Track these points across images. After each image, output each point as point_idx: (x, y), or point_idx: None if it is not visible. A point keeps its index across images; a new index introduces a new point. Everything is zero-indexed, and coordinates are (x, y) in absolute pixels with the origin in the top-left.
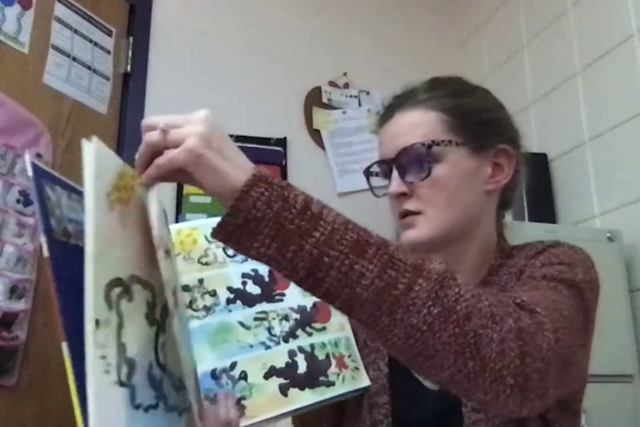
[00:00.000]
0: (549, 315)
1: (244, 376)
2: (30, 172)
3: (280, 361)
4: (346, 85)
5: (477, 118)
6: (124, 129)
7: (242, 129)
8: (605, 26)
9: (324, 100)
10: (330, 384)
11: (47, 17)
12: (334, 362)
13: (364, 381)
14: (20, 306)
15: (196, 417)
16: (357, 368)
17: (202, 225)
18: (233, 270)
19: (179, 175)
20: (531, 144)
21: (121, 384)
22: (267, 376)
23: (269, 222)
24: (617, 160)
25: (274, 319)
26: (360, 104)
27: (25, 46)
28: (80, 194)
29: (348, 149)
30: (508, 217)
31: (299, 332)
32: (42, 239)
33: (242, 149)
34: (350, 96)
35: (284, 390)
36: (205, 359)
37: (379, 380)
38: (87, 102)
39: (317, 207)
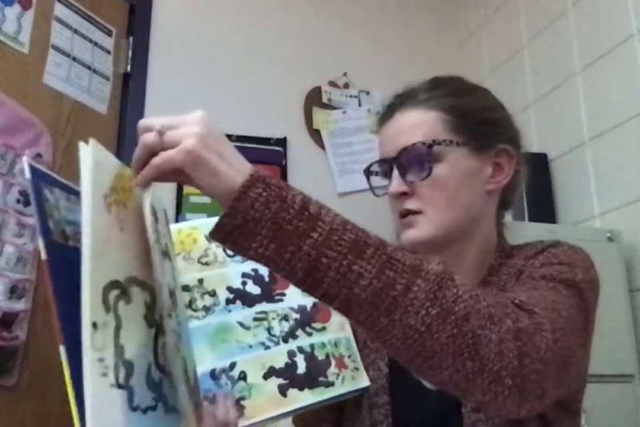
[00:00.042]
0: (548, 315)
1: (243, 376)
2: (28, 174)
3: (280, 362)
4: (346, 85)
5: (477, 118)
6: (124, 129)
7: (242, 129)
8: (605, 26)
9: (324, 100)
10: (330, 384)
11: (47, 17)
12: (333, 362)
13: (364, 381)
14: (20, 306)
15: (189, 417)
16: (356, 368)
17: (203, 224)
18: (233, 270)
19: (176, 176)
20: (531, 144)
21: (119, 386)
22: (266, 377)
23: (266, 222)
24: (617, 160)
25: (273, 319)
26: (360, 104)
27: (25, 46)
28: (78, 195)
29: (348, 149)
30: (508, 217)
31: (299, 332)
32: (40, 242)
33: (242, 149)
34: (350, 96)
35: (283, 390)
36: (205, 360)
37: (378, 380)
38: (87, 102)
39: (315, 208)
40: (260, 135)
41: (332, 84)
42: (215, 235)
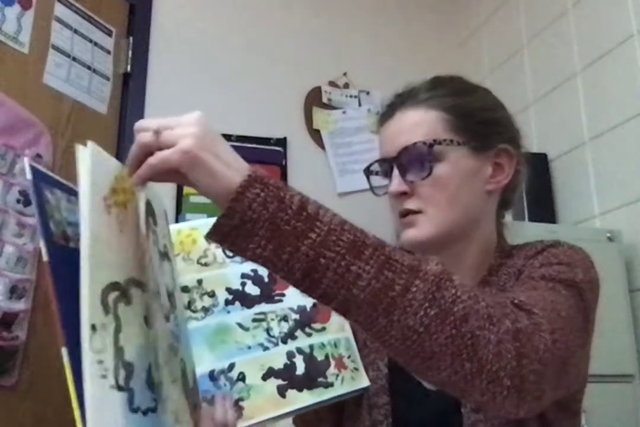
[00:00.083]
0: (547, 316)
1: (242, 377)
2: (29, 175)
3: (279, 362)
4: (346, 85)
5: (478, 117)
6: (124, 129)
7: (242, 129)
8: (605, 26)
9: (324, 100)
10: (329, 385)
11: (47, 17)
12: (333, 363)
13: (364, 382)
14: (20, 306)
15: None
16: (356, 369)
17: (202, 225)
18: (232, 271)
19: (172, 176)
20: (531, 144)
21: (119, 388)
22: (265, 377)
23: (264, 223)
24: (617, 160)
25: (272, 320)
26: (360, 104)
27: (25, 46)
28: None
29: (348, 149)
30: (508, 217)
31: (298, 333)
32: (42, 244)
33: (242, 149)
34: (350, 96)
35: (282, 391)
36: (204, 361)
37: (378, 380)
38: (87, 102)
39: (313, 208)
40: (260, 135)
41: (332, 84)
42: (213, 236)
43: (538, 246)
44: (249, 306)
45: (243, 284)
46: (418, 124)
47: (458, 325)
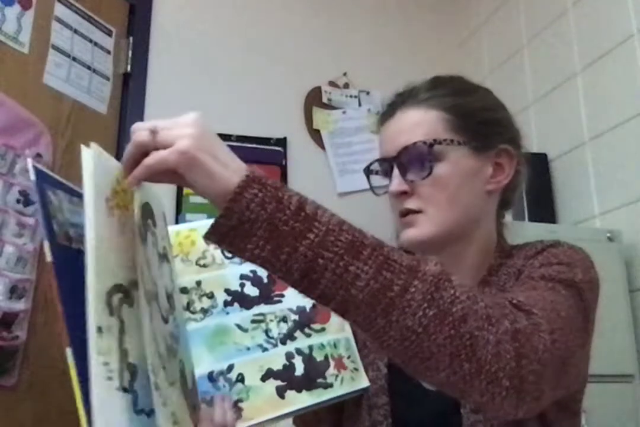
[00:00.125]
0: (546, 316)
1: (241, 378)
2: (32, 176)
3: (278, 363)
4: (346, 85)
5: (478, 117)
6: (124, 129)
7: (242, 129)
8: (605, 26)
9: (324, 100)
10: (328, 385)
11: (47, 17)
12: (332, 363)
13: (363, 382)
14: (20, 306)
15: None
16: (356, 369)
17: (201, 226)
18: (231, 272)
19: (169, 177)
20: (531, 144)
21: (124, 390)
22: (264, 379)
23: (262, 223)
24: (617, 160)
25: (271, 321)
26: (360, 104)
27: (25, 46)
28: (80, 196)
29: (348, 149)
30: (508, 217)
31: (297, 333)
32: (45, 244)
33: (242, 149)
34: (350, 96)
35: (281, 392)
36: (203, 362)
37: (378, 381)
38: (87, 102)
39: (311, 208)
40: (260, 135)
41: (332, 84)
42: (211, 236)
43: (538, 246)
44: (248, 307)
45: (242, 285)
46: (418, 123)
47: (457, 325)
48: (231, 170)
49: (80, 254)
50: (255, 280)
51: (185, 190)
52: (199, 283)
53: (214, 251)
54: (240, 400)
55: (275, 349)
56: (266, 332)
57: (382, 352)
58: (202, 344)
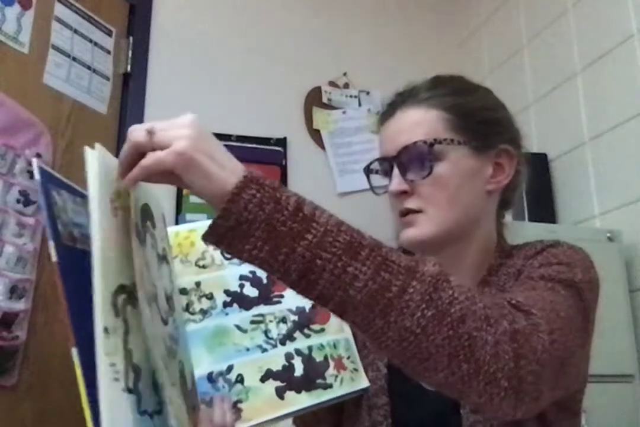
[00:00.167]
0: (545, 316)
1: (240, 379)
2: (37, 177)
3: (277, 364)
4: (346, 85)
5: (479, 117)
6: (124, 129)
7: (242, 129)
8: (605, 26)
9: (324, 100)
10: (328, 386)
11: (47, 17)
12: (332, 364)
13: (363, 382)
14: (20, 306)
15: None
16: (356, 369)
17: (200, 227)
18: (230, 272)
19: (166, 177)
20: (531, 144)
21: (129, 391)
22: (263, 379)
23: (260, 224)
24: (617, 160)
25: (271, 321)
26: (360, 104)
27: (25, 46)
28: (83, 197)
29: (348, 149)
30: (508, 217)
31: (297, 334)
32: (50, 245)
33: (242, 149)
34: (350, 96)
35: (280, 393)
36: (202, 363)
37: (377, 381)
38: (87, 102)
39: (309, 209)
40: (260, 135)
41: (332, 84)
42: (209, 237)
43: (538, 246)
44: (247, 308)
45: (241, 286)
46: (419, 123)
47: (455, 326)
48: (229, 171)
49: (85, 255)
50: (255, 281)
51: (185, 191)
52: (198, 284)
53: (213, 252)
54: (239, 401)
55: (275, 350)
56: (265, 333)
57: (381, 353)
58: (201, 345)
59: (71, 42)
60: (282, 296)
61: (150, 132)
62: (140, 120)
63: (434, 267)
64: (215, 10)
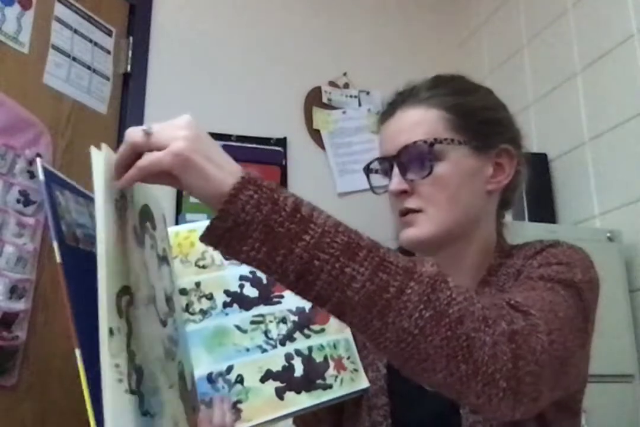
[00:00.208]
0: (544, 317)
1: (240, 379)
2: (41, 177)
3: (277, 365)
4: (346, 85)
5: (479, 117)
6: (124, 129)
7: (242, 129)
8: (605, 26)
9: (324, 100)
10: (328, 386)
11: (47, 17)
12: (332, 364)
13: (363, 383)
14: (20, 306)
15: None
16: (356, 370)
17: (200, 227)
18: (230, 273)
19: (162, 178)
20: (531, 144)
21: (132, 392)
22: (263, 380)
23: (258, 225)
24: (617, 160)
25: (271, 322)
26: (360, 104)
27: (25, 46)
28: (86, 197)
29: (348, 149)
30: (508, 217)
31: (297, 334)
32: (55, 245)
33: (242, 149)
34: (350, 96)
35: (280, 393)
36: (202, 363)
37: (377, 381)
38: (87, 102)
39: (307, 210)
40: (260, 135)
41: (332, 84)
42: (206, 238)
43: (537, 245)
44: (247, 308)
45: (241, 286)
46: (419, 122)
47: (453, 327)
48: (226, 172)
49: (87, 255)
50: (255, 281)
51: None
52: (198, 284)
53: (213, 252)
54: (239, 401)
55: (275, 350)
56: (265, 333)
57: (380, 354)
58: (201, 345)
59: (71, 42)
60: (282, 297)
61: (148, 133)
62: (140, 120)
63: (432, 268)
64: (215, 10)
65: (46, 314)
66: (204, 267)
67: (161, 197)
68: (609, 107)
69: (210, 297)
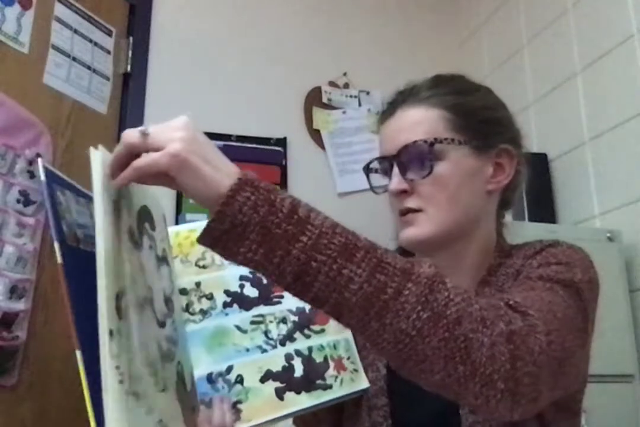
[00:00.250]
0: (543, 317)
1: (240, 379)
2: (43, 177)
3: (277, 365)
4: (346, 85)
5: (479, 117)
6: (124, 129)
7: (242, 129)
8: (605, 26)
9: (324, 100)
10: (327, 387)
11: (47, 17)
12: (332, 364)
13: (363, 383)
14: (20, 306)
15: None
16: (356, 370)
17: (200, 227)
18: (231, 273)
19: (159, 179)
20: (531, 144)
21: (133, 393)
22: (263, 380)
23: (255, 226)
24: (617, 160)
25: (271, 322)
26: (360, 104)
27: (25, 46)
28: (86, 197)
29: (348, 149)
30: (508, 217)
31: (297, 335)
32: (56, 246)
33: (242, 149)
34: (350, 96)
35: (280, 394)
36: (201, 363)
37: (377, 382)
38: (87, 102)
39: (304, 211)
40: (260, 135)
41: (332, 84)
42: (204, 240)
43: (537, 245)
44: (247, 308)
45: (241, 286)
46: (419, 122)
47: (451, 328)
48: (223, 173)
49: (88, 256)
50: (255, 281)
51: None
52: (198, 284)
53: (214, 252)
54: (239, 401)
55: (275, 351)
56: (265, 333)
57: (378, 354)
58: (201, 345)
59: (71, 42)
60: (282, 297)
61: (144, 134)
62: (140, 120)
63: (430, 269)
64: (215, 10)
65: (46, 314)
66: (204, 267)
67: (161, 196)
68: (609, 107)
69: (210, 297)
